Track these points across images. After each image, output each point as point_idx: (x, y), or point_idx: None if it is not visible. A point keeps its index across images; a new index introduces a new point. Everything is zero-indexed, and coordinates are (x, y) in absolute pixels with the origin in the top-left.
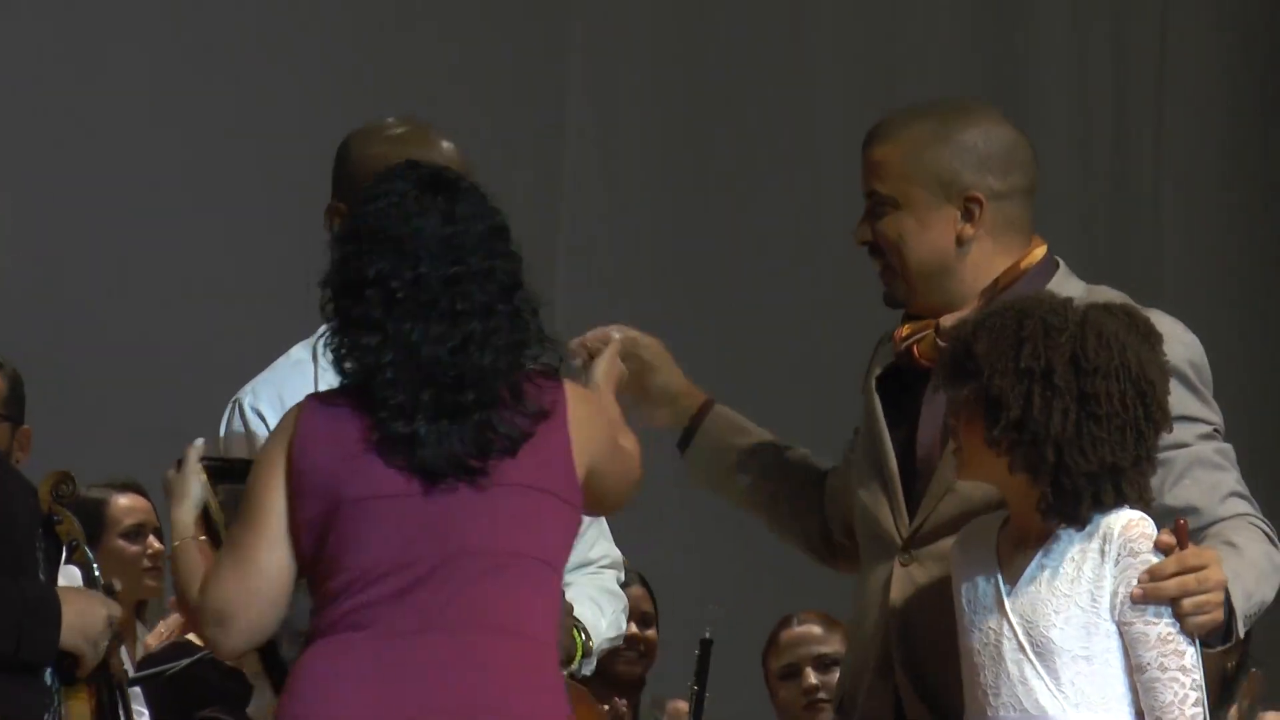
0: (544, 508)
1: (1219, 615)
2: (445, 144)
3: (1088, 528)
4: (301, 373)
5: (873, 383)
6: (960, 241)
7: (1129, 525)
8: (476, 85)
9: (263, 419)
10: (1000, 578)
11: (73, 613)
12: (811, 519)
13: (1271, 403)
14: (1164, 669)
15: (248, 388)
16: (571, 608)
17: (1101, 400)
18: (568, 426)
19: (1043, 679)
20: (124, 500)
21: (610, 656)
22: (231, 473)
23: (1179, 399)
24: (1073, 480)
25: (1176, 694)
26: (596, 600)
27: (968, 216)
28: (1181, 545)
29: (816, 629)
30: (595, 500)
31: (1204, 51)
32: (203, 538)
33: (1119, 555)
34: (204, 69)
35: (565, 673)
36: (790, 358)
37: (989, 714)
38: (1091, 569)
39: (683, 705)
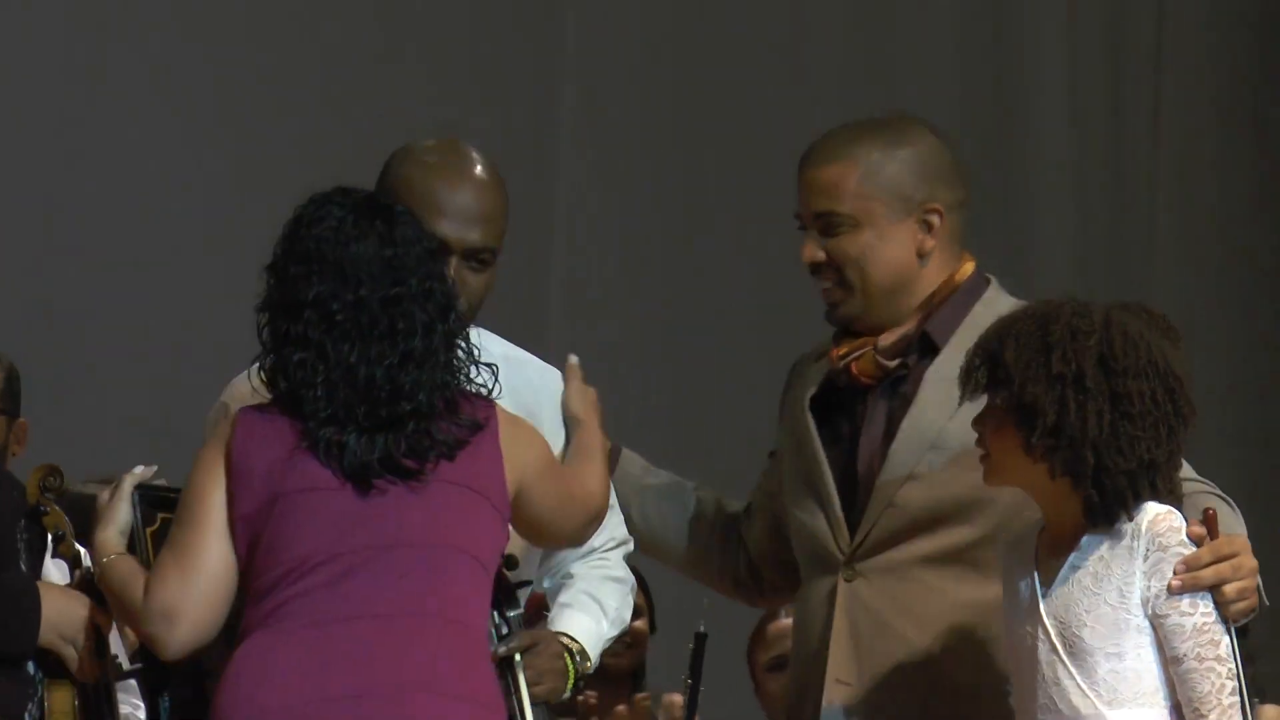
0: (479, 508)
1: (1255, 600)
2: (478, 172)
3: (1115, 525)
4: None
5: (806, 403)
6: (920, 255)
7: (1156, 520)
8: (466, 84)
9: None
10: (1038, 581)
11: (52, 610)
12: (738, 556)
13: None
14: (1201, 659)
15: (231, 386)
16: (560, 649)
17: (1134, 399)
18: (499, 439)
19: (1075, 679)
20: None
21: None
22: (169, 503)
23: None
24: (1113, 480)
25: (1214, 684)
26: (596, 596)
27: (926, 229)
28: (1212, 535)
29: None
30: (530, 524)
31: (1200, 44)
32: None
33: (1148, 550)
34: (198, 60)
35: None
36: (790, 354)
37: (1029, 717)
38: (1120, 565)
39: (678, 699)
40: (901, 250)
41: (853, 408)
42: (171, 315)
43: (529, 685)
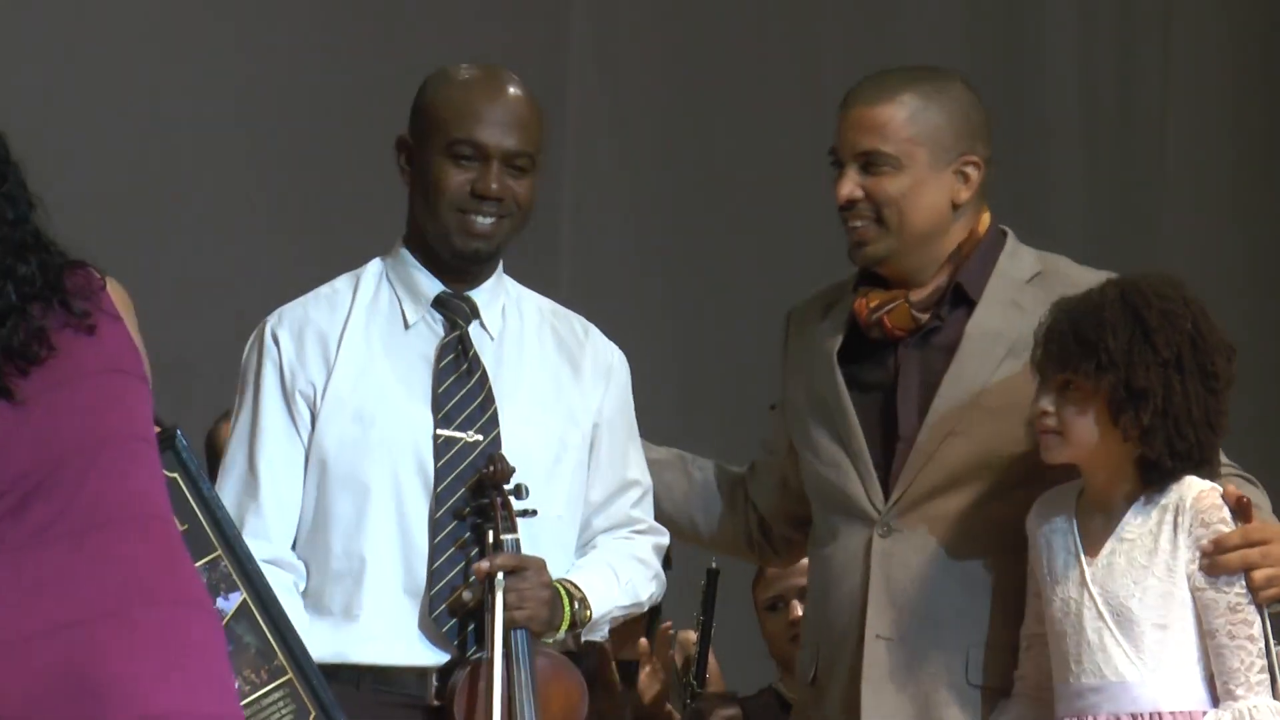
0: (125, 387)
1: None
2: (517, 93)
3: (1160, 499)
4: (334, 304)
5: (834, 356)
6: (955, 205)
7: (1200, 497)
8: (476, 32)
9: (278, 345)
10: (1081, 549)
11: None
12: (748, 517)
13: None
14: (1232, 636)
15: (275, 313)
16: (549, 579)
17: (1219, 375)
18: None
19: (1122, 647)
20: None
21: None
22: None
23: None
24: (1193, 451)
25: (1243, 661)
26: (614, 566)
27: (963, 180)
28: (1245, 519)
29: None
30: None
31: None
32: None
33: (1191, 526)
34: (206, 25)
35: (550, 641)
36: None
37: (1071, 681)
38: (1167, 540)
39: (691, 635)
40: (940, 198)
41: (882, 360)
42: (188, 255)
43: (510, 609)
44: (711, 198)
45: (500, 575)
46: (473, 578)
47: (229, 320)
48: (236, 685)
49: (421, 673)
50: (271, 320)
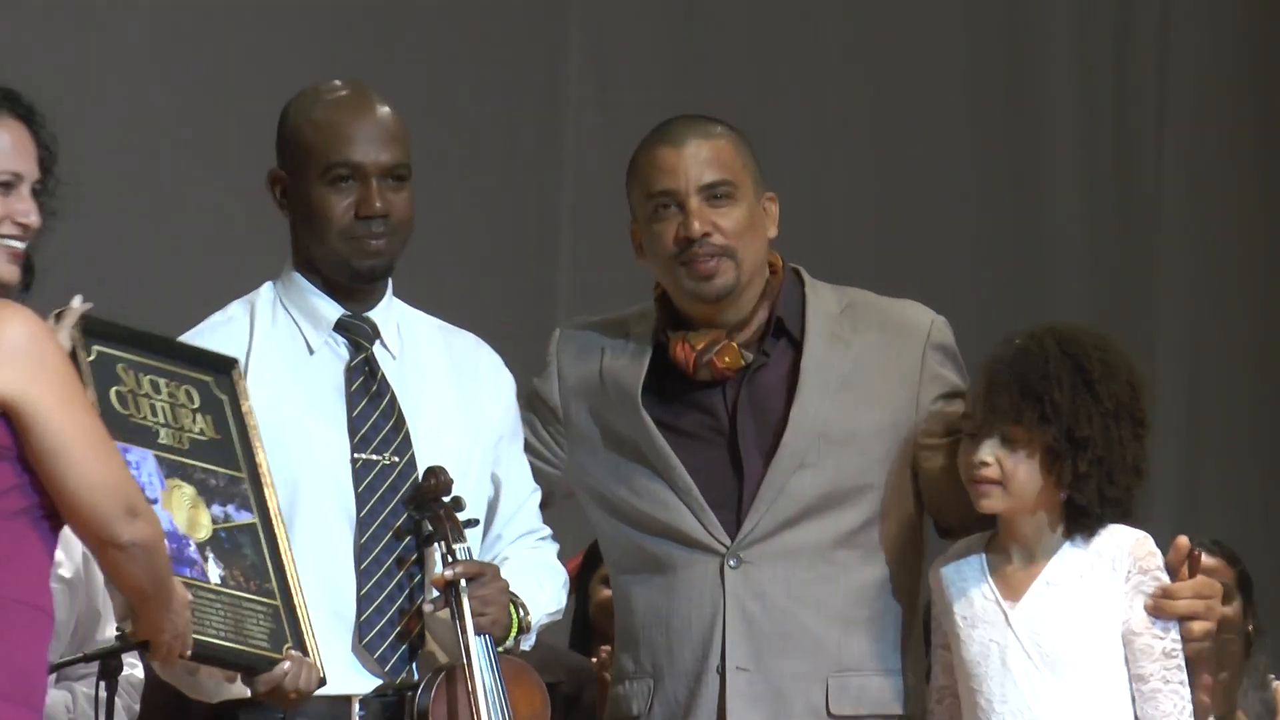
0: None
1: (1211, 642)
2: (382, 108)
3: (1091, 544)
4: (232, 330)
5: (638, 397)
6: (769, 237)
7: (1137, 544)
8: (476, 43)
9: None
10: (998, 594)
11: None
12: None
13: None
14: (1166, 681)
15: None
16: (506, 584)
17: (1147, 423)
18: None
19: (1052, 687)
20: None
21: (598, 609)
22: (110, 335)
23: (959, 378)
24: (1130, 498)
25: (1176, 705)
26: (536, 575)
27: (767, 215)
28: (1192, 573)
29: None
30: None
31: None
32: None
33: (1129, 572)
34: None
35: (501, 649)
36: None
37: (995, 718)
38: (1100, 584)
39: None
40: (763, 230)
41: (704, 399)
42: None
43: (474, 615)
44: None
45: (462, 583)
46: (434, 592)
47: None
48: (221, 575)
49: (345, 701)
50: None
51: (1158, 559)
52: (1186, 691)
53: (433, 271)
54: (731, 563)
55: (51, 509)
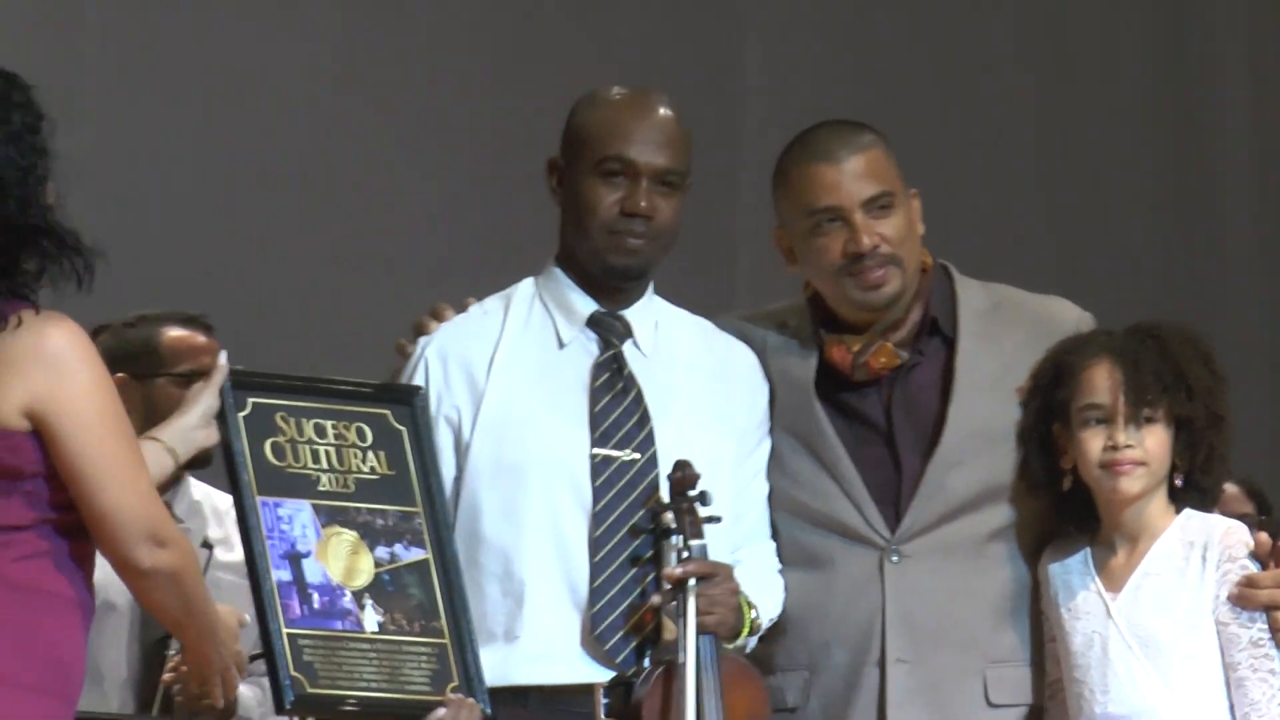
0: None
1: None
2: (666, 113)
3: (1187, 535)
4: (485, 326)
5: (812, 390)
6: (920, 235)
7: (1228, 533)
8: (653, 42)
9: (428, 370)
10: (1100, 586)
11: None
12: None
13: None
14: (1255, 669)
15: (429, 337)
16: (737, 586)
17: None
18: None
19: (1151, 676)
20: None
21: None
22: (267, 386)
23: None
24: (1221, 483)
25: (1265, 693)
26: (766, 578)
27: (915, 213)
28: (1278, 563)
29: None
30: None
31: None
32: (161, 441)
33: (1219, 560)
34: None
35: (730, 648)
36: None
37: (1096, 710)
38: (1194, 574)
39: None
40: (916, 231)
41: (863, 398)
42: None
43: (700, 614)
44: None
45: (692, 581)
46: (666, 586)
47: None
48: (380, 621)
49: (586, 689)
50: (423, 343)
51: (1246, 548)
52: (1277, 680)
53: None
54: (893, 558)
55: None
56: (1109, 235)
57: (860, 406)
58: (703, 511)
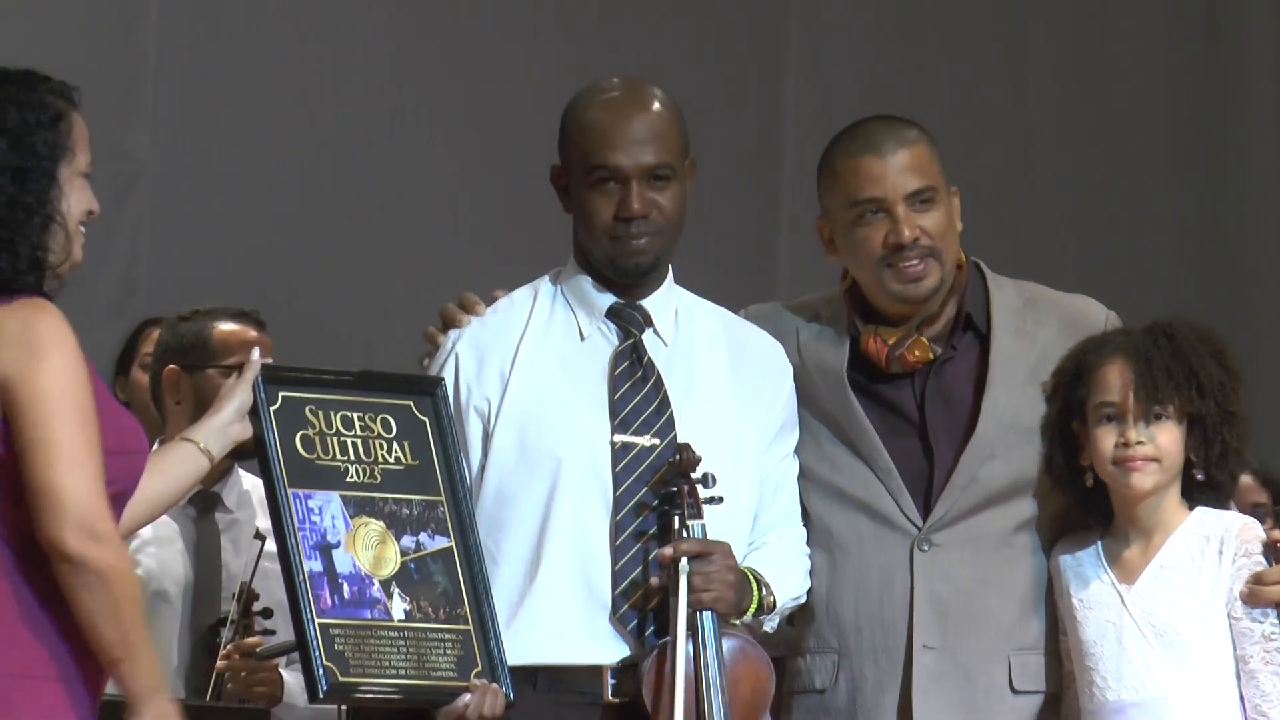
0: None
1: None
2: (649, 109)
3: (1203, 530)
4: (511, 318)
5: (845, 379)
6: (958, 231)
7: (1244, 528)
8: (700, 46)
9: (457, 361)
10: (1114, 577)
11: None
12: None
13: None
14: (1266, 662)
15: (459, 330)
16: (734, 564)
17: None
18: None
19: (1166, 664)
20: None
21: None
22: (297, 380)
23: None
24: (1235, 478)
25: (1276, 685)
26: (787, 559)
27: (954, 210)
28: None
29: None
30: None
31: None
32: (195, 442)
33: (1235, 555)
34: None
35: (738, 624)
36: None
37: (1110, 698)
38: (1210, 567)
39: None
40: (955, 225)
41: (897, 390)
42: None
43: (696, 591)
44: None
45: (684, 561)
46: (656, 565)
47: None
48: (406, 609)
49: (597, 671)
50: (454, 336)
51: (1260, 544)
52: None
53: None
54: (924, 546)
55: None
56: (1135, 236)
57: (894, 398)
58: (704, 493)
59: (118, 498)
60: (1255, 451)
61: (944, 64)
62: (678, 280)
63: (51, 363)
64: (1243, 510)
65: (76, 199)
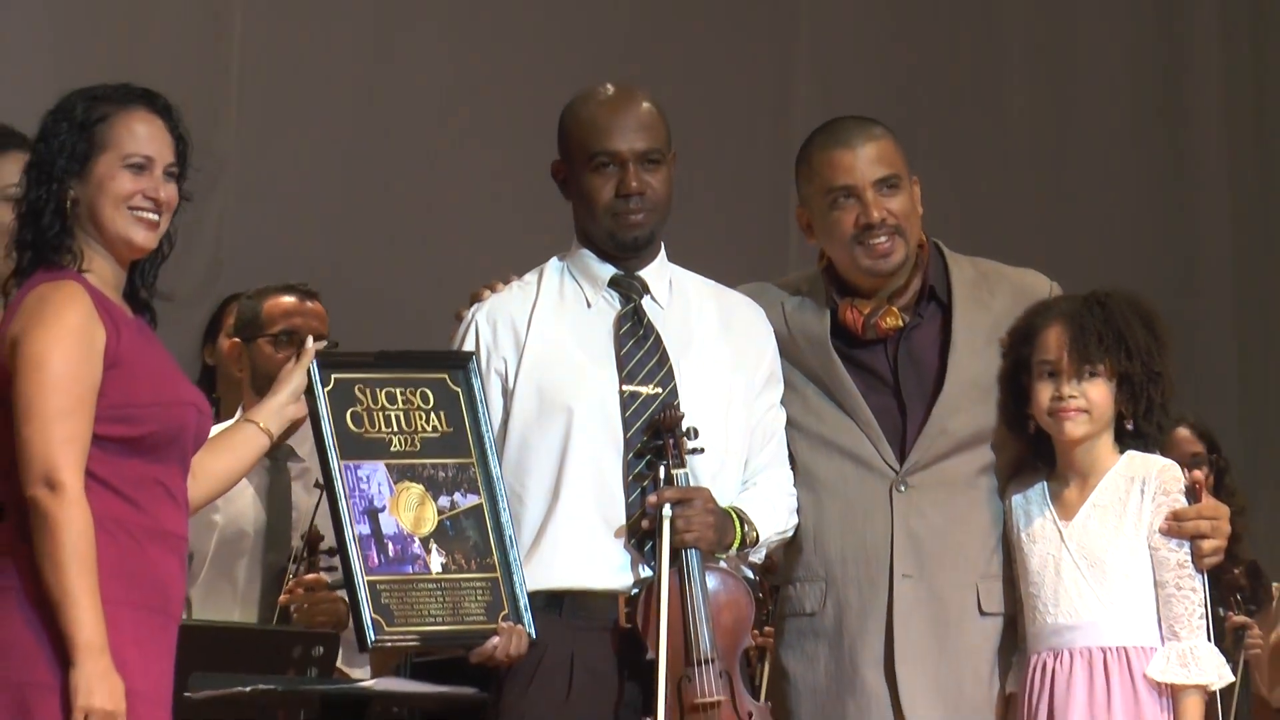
0: None
1: (1221, 557)
2: (640, 103)
3: (1129, 471)
4: (524, 294)
5: (830, 345)
6: (919, 214)
7: (1163, 469)
8: (715, 54)
9: (478, 330)
10: (1054, 514)
11: None
12: None
13: None
14: (1179, 587)
15: (483, 302)
16: (714, 506)
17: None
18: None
19: (1095, 591)
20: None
21: None
22: (347, 363)
23: None
24: (1164, 427)
25: (1186, 609)
26: (770, 498)
27: (916, 196)
28: (1198, 498)
29: None
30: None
31: None
32: (256, 422)
33: (1155, 493)
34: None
35: (722, 558)
36: None
37: (1049, 620)
38: (1135, 505)
39: None
40: (917, 208)
41: (872, 354)
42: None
43: (679, 532)
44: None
45: (666, 508)
46: (648, 510)
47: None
48: (443, 562)
49: (613, 597)
50: (473, 309)
51: (1179, 485)
52: (1199, 597)
53: (676, 255)
54: (901, 488)
55: (129, 436)
56: (1095, 222)
57: (870, 361)
58: (688, 445)
59: (151, 437)
60: (1194, 408)
61: (932, 63)
62: (700, 263)
63: (44, 331)
64: (1181, 460)
65: (116, 184)
